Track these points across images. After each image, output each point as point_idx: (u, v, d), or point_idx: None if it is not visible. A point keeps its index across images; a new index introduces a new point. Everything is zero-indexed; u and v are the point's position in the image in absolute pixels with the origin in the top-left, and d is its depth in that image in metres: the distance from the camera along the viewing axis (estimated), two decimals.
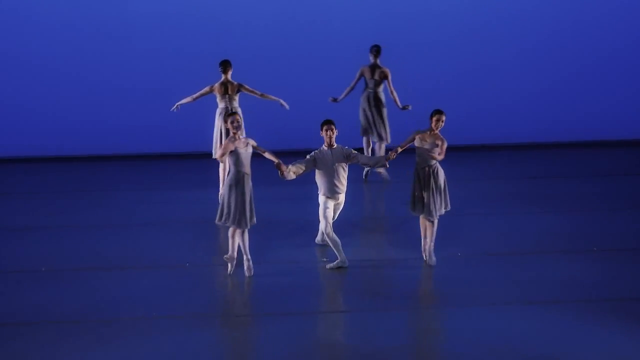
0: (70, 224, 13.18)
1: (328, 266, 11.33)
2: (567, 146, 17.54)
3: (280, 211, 13.41)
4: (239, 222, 10.78)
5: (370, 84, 14.93)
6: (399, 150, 11.04)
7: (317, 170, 11.27)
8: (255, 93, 13.88)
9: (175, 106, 13.91)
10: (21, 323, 9.80)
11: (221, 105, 13.87)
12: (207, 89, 13.86)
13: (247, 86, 13.87)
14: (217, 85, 13.82)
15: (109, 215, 13.55)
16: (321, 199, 11.30)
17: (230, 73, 13.82)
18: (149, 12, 16.91)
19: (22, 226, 13.08)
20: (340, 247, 11.26)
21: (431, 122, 11.05)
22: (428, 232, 11.30)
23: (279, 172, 10.96)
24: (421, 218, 11.30)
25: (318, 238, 12.03)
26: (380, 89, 14.97)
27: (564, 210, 13.56)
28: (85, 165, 16.68)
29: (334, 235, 11.22)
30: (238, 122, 10.83)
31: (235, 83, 13.82)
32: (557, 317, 9.79)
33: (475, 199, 13.94)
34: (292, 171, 11.06)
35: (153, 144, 17.07)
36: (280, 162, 10.92)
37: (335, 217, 11.52)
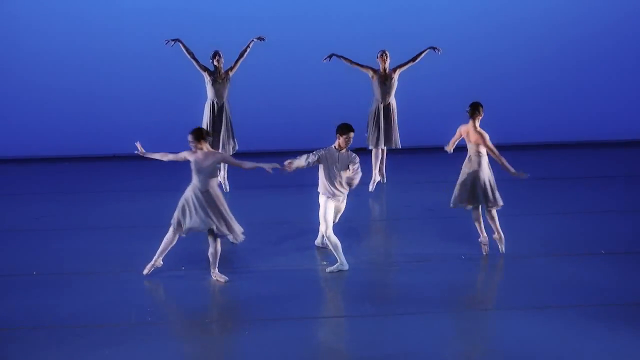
0: (62, 226, 13.13)
1: (328, 270, 11.24)
2: (576, 146, 17.63)
3: (280, 214, 13.36)
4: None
5: None
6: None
7: (320, 166, 11.16)
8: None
9: None
10: (11, 328, 9.67)
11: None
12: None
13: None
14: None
15: (100, 217, 13.51)
16: (322, 199, 11.23)
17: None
18: (143, 10, 16.97)
19: (11, 228, 13.02)
20: (341, 250, 11.19)
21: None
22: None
23: (281, 167, 10.82)
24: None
25: (317, 241, 12.00)
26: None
27: (571, 212, 13.53)
28: (77, 166, 16.72)
29: (334, 237, 11.15)
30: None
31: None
32: (561, 322, 9.67)
33: None
34: (294, 165, 10.96)
35: (146, 145, 16.96)
36: (277, 164, 10.83)
37: (336, 221, 11.48)
